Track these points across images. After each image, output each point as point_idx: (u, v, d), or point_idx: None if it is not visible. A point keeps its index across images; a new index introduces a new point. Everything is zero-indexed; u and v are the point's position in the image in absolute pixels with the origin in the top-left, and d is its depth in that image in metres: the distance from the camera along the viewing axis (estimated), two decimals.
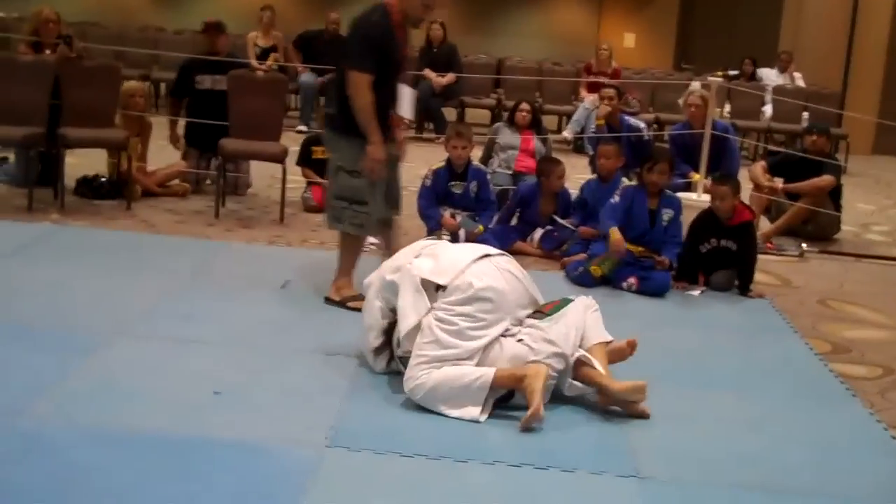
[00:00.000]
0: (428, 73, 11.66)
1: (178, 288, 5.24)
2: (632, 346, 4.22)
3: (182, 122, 8.05)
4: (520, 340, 3.96)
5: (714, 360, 4.80)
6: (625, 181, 6.48)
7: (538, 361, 3.85)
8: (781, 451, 3.75)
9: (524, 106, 8.15)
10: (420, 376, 3.82)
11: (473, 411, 3.77)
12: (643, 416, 3.92)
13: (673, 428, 3.88)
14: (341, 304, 5.10)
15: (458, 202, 6.71)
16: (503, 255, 4.24)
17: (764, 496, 3.38)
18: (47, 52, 7.54)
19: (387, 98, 5.05)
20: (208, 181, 7.89)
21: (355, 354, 4.31)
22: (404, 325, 3.97)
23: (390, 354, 4.14)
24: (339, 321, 4.81)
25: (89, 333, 4.40)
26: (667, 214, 5.99)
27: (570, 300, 4.19)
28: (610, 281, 5.91)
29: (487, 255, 4.12)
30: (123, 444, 3.34)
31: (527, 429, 3.70)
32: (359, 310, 4.73)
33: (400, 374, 4.03)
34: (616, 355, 4.19)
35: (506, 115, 8.70)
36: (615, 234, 5.85)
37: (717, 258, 6.05)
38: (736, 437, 3.86)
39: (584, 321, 4.10)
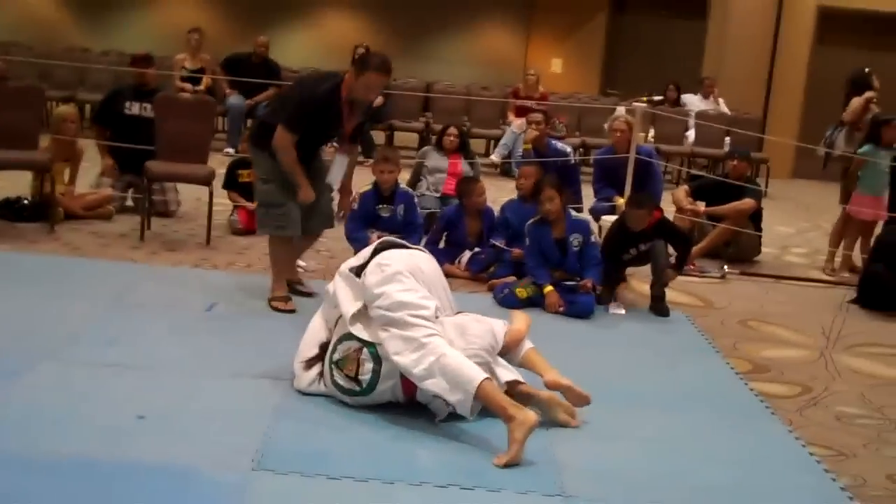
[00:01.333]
0: None
1: (102, 312, 5.18)
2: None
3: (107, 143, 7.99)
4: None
5: (639, 379, 4.88)
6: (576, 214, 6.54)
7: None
8: (704, 470, 3.82)
9: (452, 130, 8.22)
10: (429, 339, 3.83)
11: (465, 405, 3.77)
12: (566, 425, 4.08)
13: (598, 446, 3.94)
14: (269, 303, 5.43)
15: (385, 225, 6.72)
16: (422, 251, 4.39)
17: None
18: None
19: (311, 147, 5.48)
20: (130, 202, 7.83)
21: (282, 377, 4.29)
22: (346, 310, 4.04)
23: (320, 369, 4.14)
24: (266, 344, 4.79)
25: (12, 358, 4.31)
26: (576, 240, 6.08)
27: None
28: (536, 303, 5.97)
29: (392, 245, 4.26)
30: (46, 471, 3.29)
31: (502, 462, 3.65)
32: (280, 309, 5.32)
33: (324, 396, 4.08)
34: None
35: (434, 138, 8.76)
36: (550, 296, 5.92)
37: (642, 261, 6.25)
38: (659, 456, 3.92)
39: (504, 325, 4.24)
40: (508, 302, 5.96)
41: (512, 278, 6.24)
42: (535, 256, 6.06)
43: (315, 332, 4.27)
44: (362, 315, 4.04)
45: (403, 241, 4.46)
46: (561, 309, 5.90)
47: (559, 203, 6.04)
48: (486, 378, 3.78)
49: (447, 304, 4.23)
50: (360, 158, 6.70)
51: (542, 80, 12.92)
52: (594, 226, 6.97)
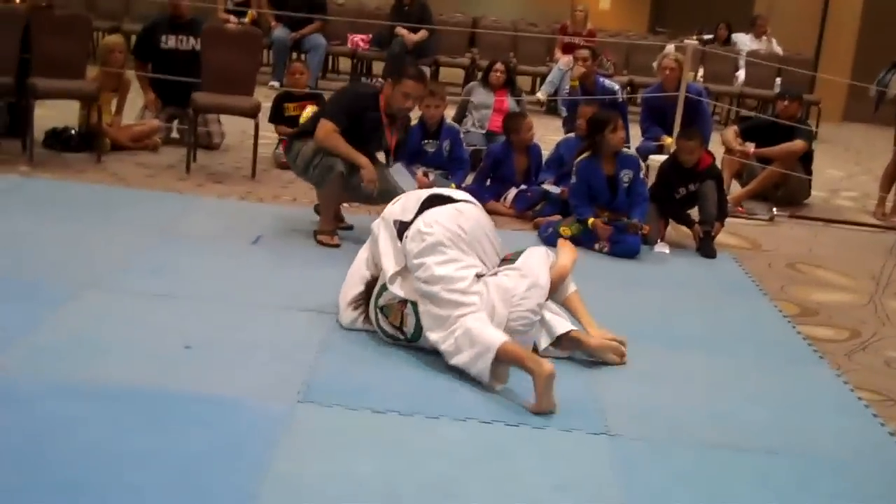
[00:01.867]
0: (400, 30, 11.58)
1: (148, 242, 5.20)
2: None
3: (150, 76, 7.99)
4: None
5: (683, 320, 4.84)
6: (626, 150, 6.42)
7: (519, 304, 3.89)
8: (748, 411, 3.79)
9: (499, 66, 8.13)
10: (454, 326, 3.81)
11: (484, 374, 3.72)
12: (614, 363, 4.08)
13: (642, 387, 3.92)
14: (315, 237, 5.45)
15: (430, 160, 6.70)
16: (469, 202, 4.20)
17: (730, 454, 3.42)
18: (17, 1, 7.42)
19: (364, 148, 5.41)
20: (175, 134, 7.85)
21: (328, 311, 4.30)
22: (387, 267, 4.01)
23: (364, 310, 4.13)
24: (312, 277, 4.80)
25: (58, 286, 4.36)
26: (626, 176, 5.97)
27: (524, 249, 4.23)
28: (581, 242, 5.92)
29: (440, 199, 4.14)
30: (93, 398, 3.32)
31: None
32: (326, 244, 5.33)
33: (368, 332, 4.09)
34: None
35: (480, 74, 8.66)
36: (595, 225, 5.87)
37: (691, 202, 6.19)
38: (703, 397, 3.90)
39: (549, 260, 4.15)
40: (552, 240, 5.89)
41: (557, 217, 6.19)
42: (580, 194, 5.99)
43: (359, 268, 4.24)
44: (402, 274, 4.00)
45: (450, 193, 4.29)
46: (606, 245, 5.84)
47: (623, 135, 5.99)
48: (505, 340, 3.72)
49: (493, 253, 4.13)
50: None
51: (589, 16, 12.71)
52: (642, 165, 6.87)
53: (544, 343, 4.06)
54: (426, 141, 6.63)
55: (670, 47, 11.51)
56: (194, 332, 3.96)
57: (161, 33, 7.91)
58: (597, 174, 5.97)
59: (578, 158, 6.05)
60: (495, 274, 4.00)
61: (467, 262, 3.94)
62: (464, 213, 4.08)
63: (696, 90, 7.70)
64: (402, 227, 4.04)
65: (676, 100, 7.46)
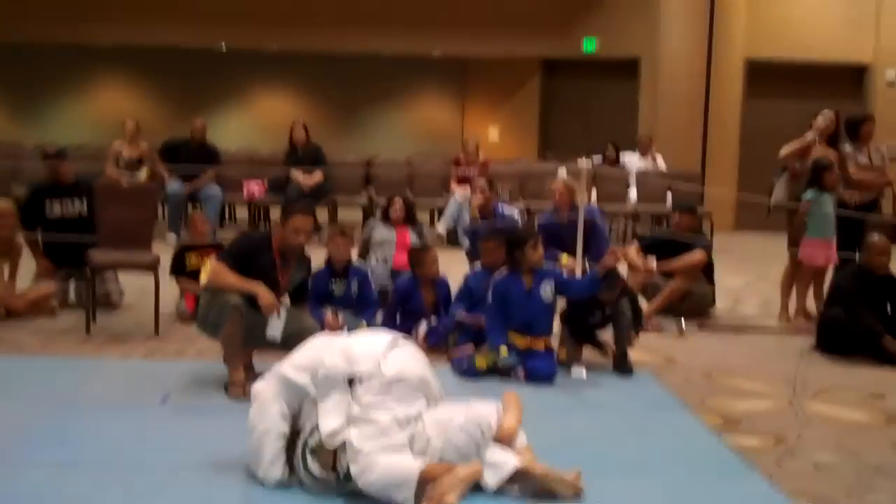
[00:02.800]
0: (294, 174, 11.60)
1: (52, 410, 4.97)
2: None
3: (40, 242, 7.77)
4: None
5: (610, 444, 4.77)
6: None
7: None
8: None
9: (396, 200, 8.16)
10: (369, 463, 3.77)
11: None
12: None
13: None
14: (226, 390, 5.31)
15: (339, 301, 6.61)
16: (406, 338, 4.23)
17: None
18: None
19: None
20: (73, 296, 7.62)
21: (245, 468, 4.11)
22: (327, 425, 3.88)
23: (290, 461, 3.96)
24: (227, 432, 4.60)
25: None
26: (547, 288, 5.95)
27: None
28: (496, 371, 5.85)
29: (396, 342, 4.13)
30: None
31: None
32: (236, 396, 5.15)
33: (290, 490, 3.92)
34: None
35: (379, 211, 8.68)
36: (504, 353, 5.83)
37: (605, 323, 6.23)
38: None
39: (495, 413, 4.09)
40: (469, 373, 5.85)
41: (471, 347, 6.11)
42: (495, 315, 5.94)
43: (273, 420, 4.03)
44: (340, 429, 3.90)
45: (379, 334, 4.32)
46: (522, 371, 5.78)
47: (542, 251, 6.00)
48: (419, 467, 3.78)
49: (433, 391, 4.14)
50: None
51: (481, 147, 12.93)
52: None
53: (493, 481, 3.94)
54: (334, 280, 6.56)
55: (562, 170, 11.78)
56: (106, 503, 3.74)
57: (45, 199, 7.66)
58: (515, 288, 5.93)
59: (496, 277, 6.03)
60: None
61: (412, 399, 3.96)
62: (414, 352, 4.14)
63: (590, 211, 7.81)
64: (350, 379, 3.97)
65: (571, 222, 7.55)
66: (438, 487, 3.72)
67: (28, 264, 7.72)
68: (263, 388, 4.11)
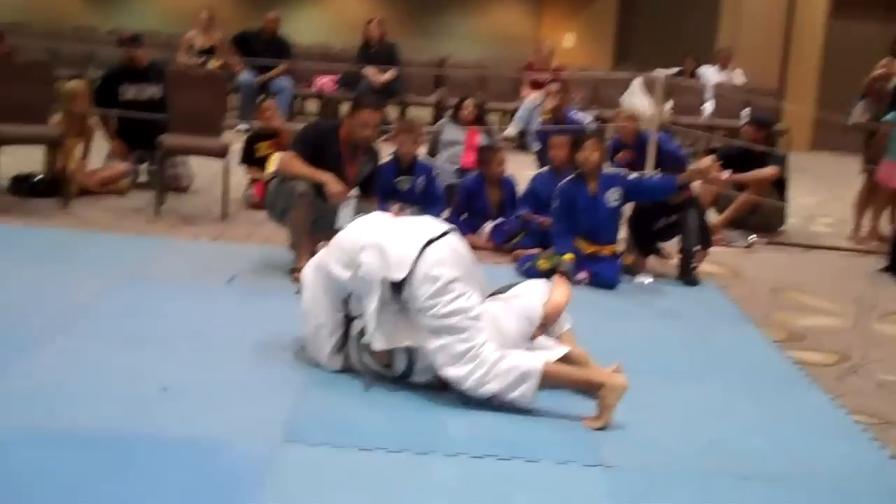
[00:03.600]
0: (367, 70, 11.54)
1: (119, 284, 5.04)
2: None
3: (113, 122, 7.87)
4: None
5: (671, 350, 4.74)
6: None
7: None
8: (745, 439, 3.68)
9: (468, 102, 8.08)
10: (471, 375, 3.67)
11: (528, 395, 3.67)
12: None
13: (635, 417, 3.78)
14: (292, 274, 5.27)
15: (404, 198, 6.59)
16: (446, 232, 3.96)
17: (731, 483, 3.31)
18: None
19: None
20: (144, 177, 7.71)
21: (308, 349, 4.16)
22: (376, 343, 3.78)
23: (345, 350, 3.98)
24: (290, 315, 4.63)
25: (26, 332, 4.19)
26: (614, 195, 5.87)
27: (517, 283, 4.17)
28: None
29: (431, 241, 3.85)
30: (63, 444, 3.16)
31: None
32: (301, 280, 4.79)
33: (356, 371, 3.92)
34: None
35: (450, 111, 8.60)
36: (567, 264, 5.75)
37: (671, 233, 6.16)
38: (699, 426, 3.79)
39: (543, 295, 4.05)
40: (530, 274, 5.80)
41: (536, 250, 6.09)
42: (562, 221, 5.89)
43: (326, 312, 3.97)
44: (382, 328, 3.79)
45: (427, 222, 4.08)
46: (586, 276, 5.75)
47: (602, 157, 5.90)
48: (546, 360, 3.69)
49: (480, 285, 4.04)
50: None
51: (555, 53, 12.73)
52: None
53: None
54: (399, 178, 6.53)
55: (637, 81, 11.52)
56: (170, 375, 3.81)
57: (119, 83, 7.80)
58: (580, 195, 5.86)
59: (562, 182, 5.97)
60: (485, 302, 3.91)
61: (472, 293, 3.81)
62: (457, 247, 3.91)
63: (663, 139, 7.58)
64: (399, 283, 3.77)
65: (639, 150, 7.33)
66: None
67: (102, 145, 7.82)
68: (312, 279, 4.07)
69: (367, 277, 3.79)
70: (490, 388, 3.66)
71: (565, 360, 3.83)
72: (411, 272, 3.74)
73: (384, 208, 6.20)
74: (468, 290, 3.79)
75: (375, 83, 11.43)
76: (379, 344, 3.78)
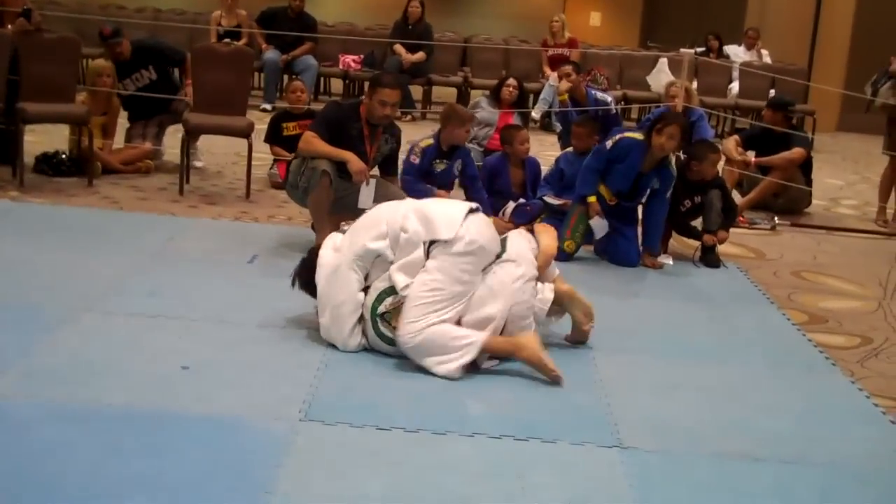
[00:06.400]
0: (398, 48, 11.52)
1: (143, 264, 5.09)
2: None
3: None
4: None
5: (692, 331, 4.74)
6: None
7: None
8: (765, 420, 3.69)
9: (511, 81, 8.01)
10: (418, 321, 3.82)
11: (453, 368, 3.80)
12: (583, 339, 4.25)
13: (653, 398, 3.81)
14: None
15: (437, 179, 6.53)
16: (476, 209, 4.19)
17: (749, 465, 3.31)
18: (9, 26, 7.31)
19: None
20: (164, 156, 7.74)
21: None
22: (401, 280, 3.93)
23: (358, 324, 4.02)
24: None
25: (52, 310, 4.24)
26: (656, 184, 5.82)
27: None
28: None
29: (472, 211, 4.12)
30: (89, 421, 3.21)
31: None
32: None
33: (371, 351, 3.98)
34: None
35: (490, 90, 8.50)
36: (593, 206, 5.80)
37: (695, 214, 6.13)
38: (718, 406, 3.80)
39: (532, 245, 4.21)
40: (557, 256, 5.81)
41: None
42: (601, 163, 5.81)
43: (351, 289, 4.02)
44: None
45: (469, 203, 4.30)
46: (601, 220, 5.82)
47: (677, 146, 5.79)
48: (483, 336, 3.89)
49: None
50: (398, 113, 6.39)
51: (578, 32, 12.63)
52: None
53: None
54: (437, 160, 6.43)
55: (664, 60, 11.49)
56: (192, 353, 3.85)
57: (116, 80, 7.65)
58: (634, 161, 5.74)
59: (631, 136, 5.86)
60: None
61: (477, 271, 4.02)
62: (488, 223, 4.18)
63: (698, 114, 7.56)
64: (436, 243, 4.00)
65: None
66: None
67: (123, 123, 7.86)
68: (334, 260, 4.10)
69: (414, 238, 3.97)
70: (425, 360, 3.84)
71: (557, 300, 4.14)
72: (456, 233, 3.94)
73: (420, 187, 6.12)
74: (484, 262, 4.01)
75: (406, 62, 11.42)
76: (401, 280, 3.92)
